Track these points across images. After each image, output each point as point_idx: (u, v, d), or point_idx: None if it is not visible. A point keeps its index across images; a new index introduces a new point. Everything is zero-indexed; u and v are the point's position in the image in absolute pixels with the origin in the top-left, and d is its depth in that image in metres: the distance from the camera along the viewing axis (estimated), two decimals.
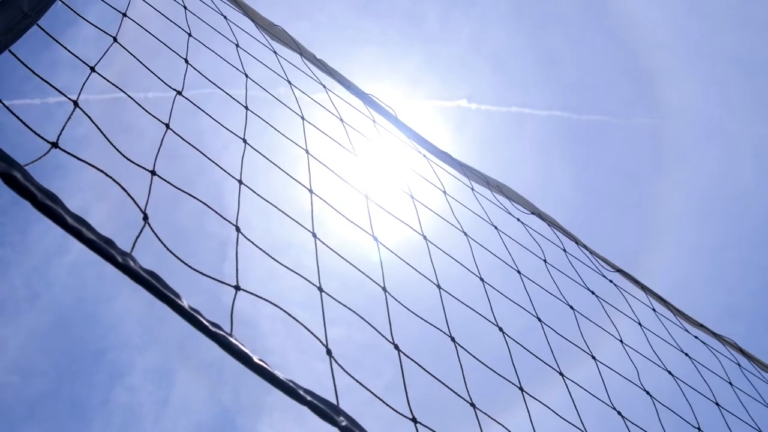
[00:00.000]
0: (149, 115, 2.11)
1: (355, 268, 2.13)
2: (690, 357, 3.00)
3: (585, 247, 3.50)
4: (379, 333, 1.93)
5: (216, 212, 2.02)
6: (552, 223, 3.52)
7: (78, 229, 1.27)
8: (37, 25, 1.82)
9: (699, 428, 2.57)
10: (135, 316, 9.67)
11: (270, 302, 1.76)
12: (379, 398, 1.70)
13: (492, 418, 1.86)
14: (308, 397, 1.43)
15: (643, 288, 3.49)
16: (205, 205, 2.03)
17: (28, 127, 1.75)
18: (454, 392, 1.87)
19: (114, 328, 9.87)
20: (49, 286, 9.77)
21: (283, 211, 2.15)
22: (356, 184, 2.80)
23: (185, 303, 1.38)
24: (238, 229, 1.98)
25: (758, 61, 10.53)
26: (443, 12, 11.03)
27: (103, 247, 1.30)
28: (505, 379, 2.10)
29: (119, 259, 1.31)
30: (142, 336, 9.85)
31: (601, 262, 3.50)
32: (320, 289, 1.95)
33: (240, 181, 2.22)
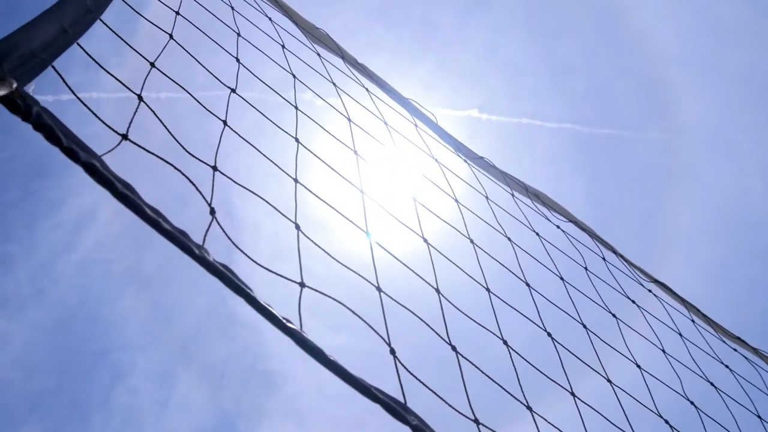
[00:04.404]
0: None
1: (412, 271, 2.15)
2: (730, 369, 3.01)
3: (622, 256, 3.51)
4: (436, 332, 1.95)
5: (276, 209, 2.06)
6: (589, 232, 3.53)
7: (156, 220, 1.29)
8: (100, 20, 1.86)
9: None
10: (138, 317, 9.70)
11: (335, 300, 1.79)
12: (442, 399, 1.72)
13: (545, 419, 1.87)
14: (380, 395, 1.45)
15: (682, 301, 3.49)
16: (267, 203, 2.06)
17: (100, 119, 1.79)
18: (510, 394, 1.88)
19: (117, 328, 9.90)
20: (55, 283, 9.80)
21: (343, 214, 2.18)
22: (400, 186, 2.82)
23: (260, 297, 1.41)
24: (297, 227, 2.03)
25: None
26: (457, 21, 11.04)
27: (181, 239, 1.31)
28: (556, 383, 2.11)
29: (196, 251, 1.33)
30: (145, 337, 9.88)
31: (638, 273, 3.51)
32: (378, 289, 1.98)
33: (296, 180, 2.27)
